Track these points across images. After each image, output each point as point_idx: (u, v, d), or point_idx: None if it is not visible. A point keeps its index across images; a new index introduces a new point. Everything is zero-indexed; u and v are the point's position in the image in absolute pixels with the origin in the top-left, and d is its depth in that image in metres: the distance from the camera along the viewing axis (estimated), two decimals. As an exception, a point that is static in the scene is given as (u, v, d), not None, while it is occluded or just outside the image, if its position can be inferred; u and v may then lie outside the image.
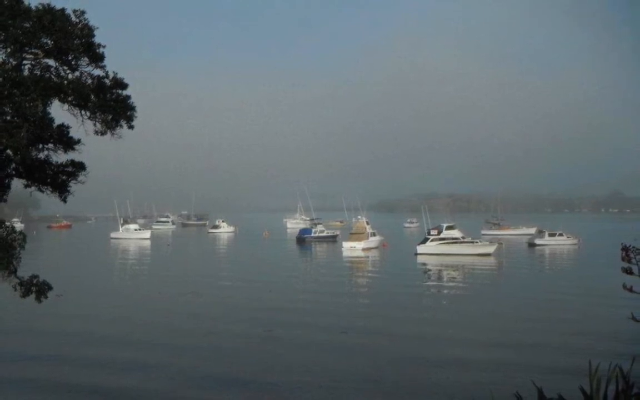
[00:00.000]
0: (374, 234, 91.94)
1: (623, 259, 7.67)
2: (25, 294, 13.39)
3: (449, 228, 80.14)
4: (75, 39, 13.67)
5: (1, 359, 25.31)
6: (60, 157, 14.12)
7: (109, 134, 13.97)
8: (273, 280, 52.04)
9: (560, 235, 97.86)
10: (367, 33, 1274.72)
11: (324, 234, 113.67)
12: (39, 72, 13.62)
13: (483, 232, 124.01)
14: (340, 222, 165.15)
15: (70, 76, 13.77)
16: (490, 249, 77.52)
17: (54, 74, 13.81)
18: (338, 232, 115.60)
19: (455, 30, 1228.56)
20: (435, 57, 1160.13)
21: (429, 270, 63.88)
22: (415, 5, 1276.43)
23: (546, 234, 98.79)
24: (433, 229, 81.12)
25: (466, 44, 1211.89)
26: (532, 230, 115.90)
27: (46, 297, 13.60)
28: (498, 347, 27.05)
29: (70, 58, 13.78)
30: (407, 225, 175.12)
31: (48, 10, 13.26)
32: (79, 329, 31.11)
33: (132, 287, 49.56)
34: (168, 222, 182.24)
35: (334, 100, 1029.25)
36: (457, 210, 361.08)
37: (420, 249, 77.52)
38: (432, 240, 78.07)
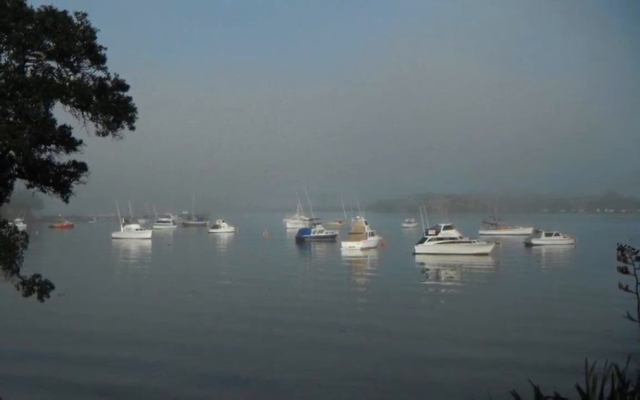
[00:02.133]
0: (372, 234, 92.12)
1: (619, 259, 7.78)
2: (27, 294, 13.53)
3: (447, 228, 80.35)
4: (77, 41, 13.79)
5: (3, 357, 25.44)
6: (62, 157, 14.23)
7: (110, 134, 14.10)
8: (273, 280, 52.20)
9: (557, 235, 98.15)
10: (366, 33, 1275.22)
11: (323, 233, 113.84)
12: (41, 74, 13.75)
13: (480, 232, 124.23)
14: (339, 222, 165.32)
15: (72, 78, 13.90)
16: (488, 248, 77.73)
17: (56, 75, 13.93)
18: (337, 232, 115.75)
19: (455, 30, 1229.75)
20: (435, 57, 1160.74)
21: (427, 269, 64.06)
22: (415, 5, 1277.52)
23: (543, 234, 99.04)
24: (431, 229, 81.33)
25: (466, 45, 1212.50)
26: (529, 230, 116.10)
27: (48, 297, 13.72)
28: (496, 346, 27.24)
29: (72, 60, 13.90)
30: (405, 225, 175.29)
31: (50, 12, 13.37)
32: (80, 328, 31.26)
33: (133, 287, 49.69)
34: (169, 222, 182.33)
35: (333, 100, 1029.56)
36: (455, 210, 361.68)
37: (419, 248, 77.70)
38: (430, 240, 78.26)
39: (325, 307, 38.08)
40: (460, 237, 79.16)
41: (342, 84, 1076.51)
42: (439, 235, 78.68)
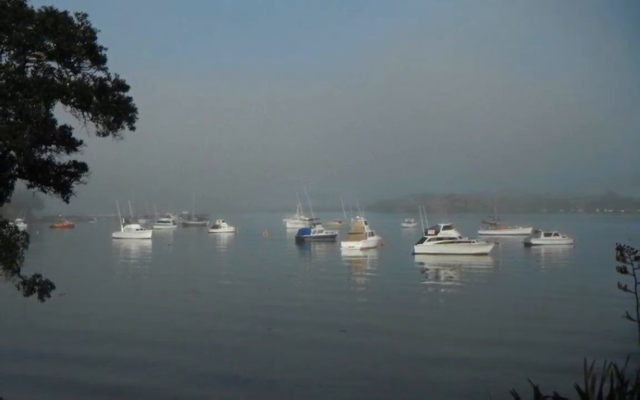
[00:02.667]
0: (372, 234, 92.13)
1: (618, 259, 7.83)
2: (28, 293, 13.56)
3: (446, 228, 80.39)
4: (77, 41, 13.81)
5: (4, 357, 25.47)
6: (62, 158, 14.26)
7: (110, 135, 14.12)
8: (273, 280, 52.24)
9: (556, 235, 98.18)
10: (366, 33, 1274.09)
11: (323, 233, 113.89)
12: (41, 74, 13.77)
13: (480, 232, 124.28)
14: (339, 222, 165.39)
15: (72, 78, 13.92)
16: (487, 248, 77.75)
17: (57, 76, 13.95)
18: (337, 232, 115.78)
19: (455, 31, 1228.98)
20: (435, 57, 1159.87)
21: (427, 269, 64.10)
22: (415, 5, 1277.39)
23: (542, 233, 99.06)
24: (430, 229, 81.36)
25: (466, 45, 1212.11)
26: (529, 230, 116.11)
27: (49, 296, 13.74)
28: (495, 346, 27.27)
29: (72, 60, 13.92)
30: (404, 225, 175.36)
31: (51, 13, 13.39)
32: (80, 328, 31.28)
33: (133, 287, 49.73)
34: (169, 222, 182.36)
35: (333, 100, 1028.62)
36: (455, 210, 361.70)
37: (418, 248, 77.72)
38: (429, 240, 78.28)
39: (325, 307, 38.12)
40: (460, 237, 79.19)
41: (341, 84, 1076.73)
42: (439, 235, 78.71)
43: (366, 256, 78.09)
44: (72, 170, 14.28)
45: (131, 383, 21.87)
